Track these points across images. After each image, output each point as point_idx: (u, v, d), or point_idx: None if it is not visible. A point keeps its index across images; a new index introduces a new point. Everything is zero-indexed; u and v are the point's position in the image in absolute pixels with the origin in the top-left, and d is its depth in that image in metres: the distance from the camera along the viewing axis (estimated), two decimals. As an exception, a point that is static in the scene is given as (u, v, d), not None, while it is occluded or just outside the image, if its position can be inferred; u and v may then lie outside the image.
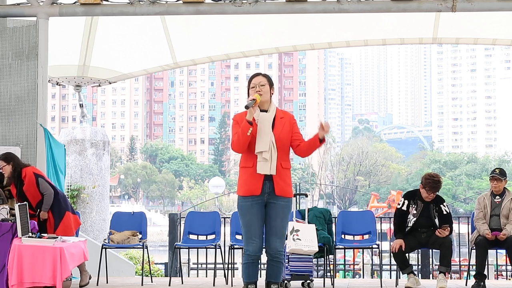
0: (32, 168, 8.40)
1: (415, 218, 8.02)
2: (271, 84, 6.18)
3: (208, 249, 10.35)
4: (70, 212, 8.39)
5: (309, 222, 8.47)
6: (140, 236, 9.13)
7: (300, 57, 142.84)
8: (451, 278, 12.51)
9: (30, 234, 7.42)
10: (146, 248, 9.01)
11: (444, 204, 8.08)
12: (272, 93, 6.20)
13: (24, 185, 8.20)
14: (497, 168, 8.42)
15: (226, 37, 11.47)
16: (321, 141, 6.00)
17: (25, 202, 7.73)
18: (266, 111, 6.11)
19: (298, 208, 10.05)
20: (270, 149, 5.99)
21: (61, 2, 9.50)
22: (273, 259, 6.11)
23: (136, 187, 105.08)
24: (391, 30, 11.17)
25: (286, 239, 8.15)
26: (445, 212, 8.01)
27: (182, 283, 9.10)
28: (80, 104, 13.21)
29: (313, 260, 8.45)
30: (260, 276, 7.32)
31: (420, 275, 11.89)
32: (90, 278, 8.39)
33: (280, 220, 6.10)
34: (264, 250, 6.21)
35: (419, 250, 9.78)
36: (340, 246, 9.04)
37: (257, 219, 6.05)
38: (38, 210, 8.22)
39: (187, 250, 10.49)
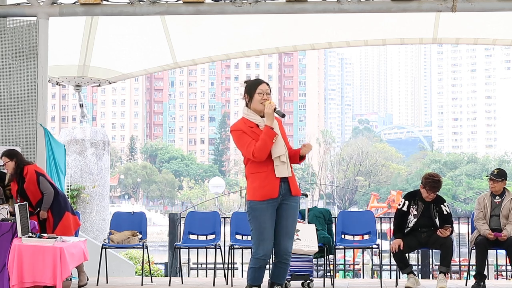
0: (35, 166, 8.41)
1: (415, 219, 8.02)
2: None
3: (208, 249, 10.35)
4: (69, 212, 8.39)
5: (309, 222, 8.47)
6: (140, 236, 9.13)
7: (300, 57, 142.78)
8: (451, 278, 12.50)
9: (30, 234, 7.42)
10: (146, 248, 9.01)
11: (445, 204, 8.09)
12: None
13: (25, 183, 8.22)
14: (496, 169, 8.41)
15: (226, 37, 11.47)
16: (301, 158, 6.16)
17: (25, 202, 7.73)
18: None
19: (298, 208, 10.04)
20: (285, 153, 6.09)
21: (61, 2, 9.50)
22: (281, 261, 6.10)
23: (136, 187, 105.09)
24: (391, 30, 11.17)
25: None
26: (445, 212, 8.02)
27: (182, 283, 9.10)
28: (80, 104, 13.22)
29: (313, 260, 8.46)
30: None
31: (420, 275, 11.88)
32: (87, 280, 8.38)
33: (292, 220, 6.16)
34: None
35: (419, 250, 9.78)
36: (340, 246, 9.03)
37: (271, 222, 6.06)
38: (38, 209, 8.23)
39: (187, 250, 10.49)
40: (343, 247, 9.21)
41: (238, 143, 6.09)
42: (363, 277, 14.51)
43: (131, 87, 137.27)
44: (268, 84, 6.21)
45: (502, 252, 8.67)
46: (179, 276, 9.83)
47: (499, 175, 8.30)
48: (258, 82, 6.17)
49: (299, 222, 8.27)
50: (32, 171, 8.25)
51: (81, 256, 7.80)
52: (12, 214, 7.81)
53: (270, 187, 6.03)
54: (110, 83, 12.29)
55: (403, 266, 8.06)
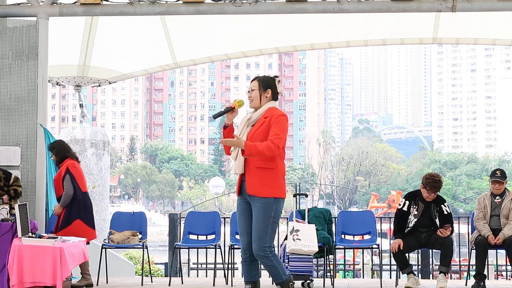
0: (72, 163, 8.48)
1: (416, 219, 8.02)
2: (264, 87, 6.13)
3: (208, 249, 10.35)
4: (82, 221, 8.32)
5: (309, 222, 8.47)
6: (140, 236, 9.13)
7: (300, 57, 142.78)
8: (451, 278, 12.50)
9: (30, 234, 7.42)
10: (146, 248, 9.01)
11: (445, 204, 8.09)
12: (267, 96, 6.14)
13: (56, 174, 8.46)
14: (497, 170, 8.38)
15: (226, 37, 11.47)
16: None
17: (25, 203, 7.72)
18: None
19: (298, 208, 10.05)
20: (237, 148, 6.05)
21: (61, 2, 9.49)
22: (260, 260, 6.15)
23: (136, 187, 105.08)
24: (391, 30, 11.16)
25: (286, 239, 8.16)
26: (446, 212, 8.02)
27: (182, 283, 9.10)
28: (80, 104, 13.22)
29: (313, 260, 8.45)
30: (260, 276, 7.32)
31: (420, 275, 11.89)
32: (90, 286, 8.31)
33: (256, 221, 6.03)
34: None
35: (419, 250, 9.79)
36: (340, 246, 9.04)
37: (243, 216, 6.15)
38: None
39: (187, 250, 10.49)
40: (343, 247, 9.21)
41: None
42: (363, 277, 14.53)
43: (131, 87, 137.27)
44: (259, 80, 6.17)
45: (502, 252, 8.68)
46: (179, 276, 9.83)
47: (503, 176, 8.32)
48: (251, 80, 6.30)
49: (299, 222, 8.27)
50: (65, 166, 8.42)
51: (81, 256, 7.80)
52: (12, 214, 7.84)
53: (237, 184, 6.21)
54: (110, 83, 12.29)
55: (403, 266, 8.06)
